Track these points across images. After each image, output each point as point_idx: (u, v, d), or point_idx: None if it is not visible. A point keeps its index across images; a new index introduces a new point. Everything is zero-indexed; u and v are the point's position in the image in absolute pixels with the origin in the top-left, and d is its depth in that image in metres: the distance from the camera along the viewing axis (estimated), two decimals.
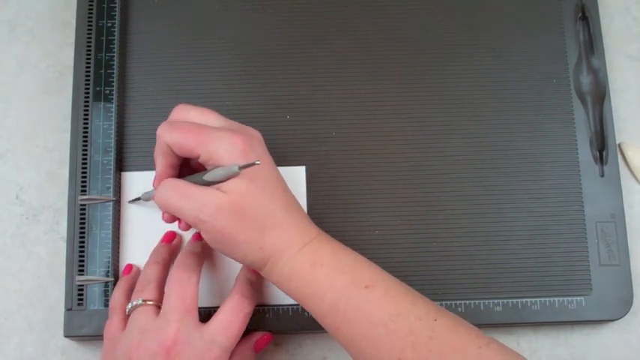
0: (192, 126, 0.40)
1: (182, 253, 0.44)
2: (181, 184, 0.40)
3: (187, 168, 0.43)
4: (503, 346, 0.37)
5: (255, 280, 0.44)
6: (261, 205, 0.39)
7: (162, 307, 0.41)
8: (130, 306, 0.41)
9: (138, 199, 0.47)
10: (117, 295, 0.44)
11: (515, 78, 0.50)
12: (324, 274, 0.38)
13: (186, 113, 0.41)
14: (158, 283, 0.42)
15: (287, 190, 0.41)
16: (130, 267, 0.46)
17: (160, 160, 0.41)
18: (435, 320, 0.37)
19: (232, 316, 0.41)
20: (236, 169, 0.37)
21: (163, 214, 0.43)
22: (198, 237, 0.46)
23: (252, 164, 0.37)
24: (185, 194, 0.39)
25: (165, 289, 0.41)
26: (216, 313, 0.41)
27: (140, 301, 0.41)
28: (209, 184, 0.39)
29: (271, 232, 0.39)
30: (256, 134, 0.41)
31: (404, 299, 0.38)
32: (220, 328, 0.40)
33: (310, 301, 0.39)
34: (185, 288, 0.41)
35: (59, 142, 0.50)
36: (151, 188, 0.44)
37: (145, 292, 0.42)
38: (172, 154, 0.41)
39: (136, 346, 0.39)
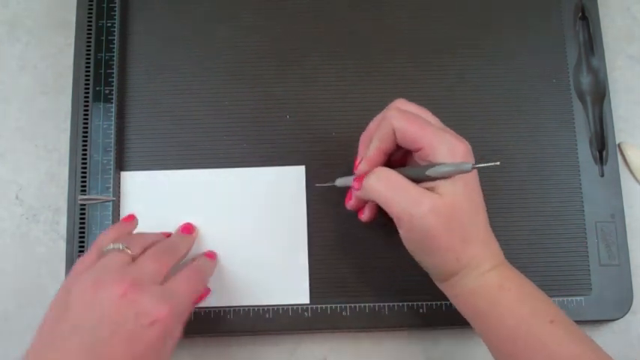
0: (420, 119, 0.40)
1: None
2: (397, 176, 0.39)
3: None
4: None
5: (210, 269, 0.44)
6: (470, 216, 0.38)
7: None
8: (110, 246, 0.40)
9: (329, 184, 0.46)
10: (109, 234, 0.42)
11: (516, 78, 0.50)
12: (510, 299, 0.38)
13: (406, 107, 0.41)
14: (147, 244, 0.41)
15: (485, 206, 0.40)
16: (132, 217, 0.46)
17: (377, 143, 0.40)
18: None
19: (191, 276, 0.40)
20: (469, 166, 0.37)
21: (349, 199, 0.43)
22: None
23: (492, 164, 0.37)
24: (400, 187, 0.39)
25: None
26: (174, 275, 0.40)
27: (121, 247, 0.39)
28: (421, 180, 0.38)
29: (471, 245, 0.38)
30: (469, 146, 0.40)
31: (584, 342, 0.38)
32: (178, 284, 0.39)
33: (489, 321, 0.39)
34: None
35: (59, 142, 0.50)
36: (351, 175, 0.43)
37: (132, 244, 0.40)
38: (392, 141, 0.40)
39: (99, 281, 0.37)
